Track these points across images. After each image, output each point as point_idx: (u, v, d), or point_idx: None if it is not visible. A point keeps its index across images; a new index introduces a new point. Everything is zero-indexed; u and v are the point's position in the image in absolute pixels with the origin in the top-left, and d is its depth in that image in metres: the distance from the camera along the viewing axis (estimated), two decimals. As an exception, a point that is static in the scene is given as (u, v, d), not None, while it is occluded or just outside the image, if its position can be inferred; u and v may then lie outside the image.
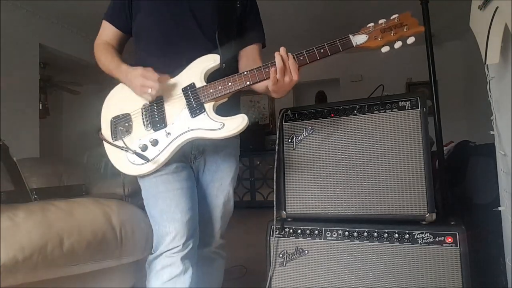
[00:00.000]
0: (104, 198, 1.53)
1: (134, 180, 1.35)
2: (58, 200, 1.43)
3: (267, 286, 1.47)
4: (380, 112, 1.41)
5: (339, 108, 1.47)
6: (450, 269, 1.24)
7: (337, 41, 1.14)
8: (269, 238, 1.51)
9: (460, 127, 5.05)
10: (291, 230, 1.49)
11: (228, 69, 1.27)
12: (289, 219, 1.53)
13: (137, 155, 1.21)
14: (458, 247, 1.24)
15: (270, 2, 1.55)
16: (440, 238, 1.27)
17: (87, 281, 1.39)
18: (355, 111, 1.45)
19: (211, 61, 1.24)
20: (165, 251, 1.24)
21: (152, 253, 1.29)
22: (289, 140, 1.54)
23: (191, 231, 1.27)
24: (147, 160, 1.21)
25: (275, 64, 1.14)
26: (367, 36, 1.14)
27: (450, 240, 1.25)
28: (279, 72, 1.13)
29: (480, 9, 1.30)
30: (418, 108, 1.35)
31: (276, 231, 1.51)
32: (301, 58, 1.15)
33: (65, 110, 6.58)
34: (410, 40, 1.12)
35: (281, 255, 1.49)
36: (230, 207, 1.44)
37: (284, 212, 1.53)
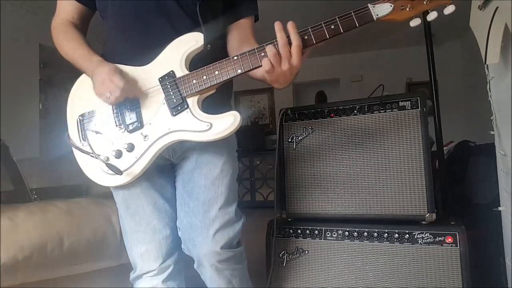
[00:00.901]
0: (104, 198, 1.54)
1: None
2: (58, 200, 1.43)
3: (267, 286, 1.47)
4: (380, 112, 1.41)
5: (339, 108, 1.47)
6: (450, 269, 1.24)
7: (353, 14, 0.89)
8: (269, 238, 1.51)
9: (460, 127, 5.05)
10: (291, 230, 1.49)
11: (214, 51, 1.03)
12: (289, 219, 1.53)
13: (108, 166, 0.98)
14: (458, 247, 1.24)
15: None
16: (440, 238, 1.27)
17: (87, 281, 1.39)
18: (355, 111, 1.44)
19: (192, 42, 0.98)
20: (144, 273, 1.10)
21: (133, 270, 1.14)
22: (289, 140, 1.54)
23: (170, 250, 1.09)
24: (119, 173, 0.98)
25: (272, 44, 0.90)
26: (392, 5, 0.88)
27: (450, 240, 1.25)
28: (273, 59, 0.89)
29: (480, 9, 1.30)
30: (418, 108, 1.35)
31: (276, 231, 1.51)
32: (306, 37, 0.90)
33: (65, 110, 6.57)
34: (450, 9, 0.86)
35: (281, 255, 1.49)
36: (228, 201, 1.08)
37: (284, 212, 1.53)
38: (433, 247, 1.27)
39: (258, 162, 5.58)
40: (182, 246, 1.11)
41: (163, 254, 1.08)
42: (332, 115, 1.48)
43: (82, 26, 1.15)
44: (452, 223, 1.31)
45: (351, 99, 1.48)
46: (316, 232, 1.44)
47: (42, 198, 1.71)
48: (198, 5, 1.01)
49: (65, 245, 1.25)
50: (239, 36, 1.13)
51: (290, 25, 0.89)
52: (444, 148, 2.03)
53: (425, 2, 0.87)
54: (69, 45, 1.08)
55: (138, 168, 1.00)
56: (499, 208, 1.39)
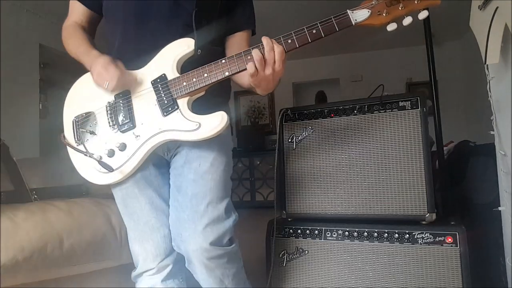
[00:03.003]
0: (104, 198, 1.54)
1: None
2: (58, 200, 1.43)
3: (267, 286, 1.47)
4: (380, 112, 1.41)
5: (339, 108, 1.47)
6: (450, 269, 1.24)
7: (333, 19, 0.94)
8: (269, 238, 1.51)
9: (460, 127, 5.05)
10: (291, 230, 1.49)
11: (206, 56, 1.05)
12: (289, 219, 1.53)
13: (100, 164, 1.02)
14: (458, 247, 1.24)
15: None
16: (440, 238, 1.27)
17: (87, 281, 1.39)
18: (355, 111, 1.44)
19: (184, 47, 1.03)
20: (143, 272, 1.12)
21: (135, 268, 1.16)
22: (289, 140, 1.54)
23: (168, 249, 1.11)
24: (110, 169, 1.02)
25: (258, 49, 0.95)
26: (369, 11, 0.93)
27: (450, 240, 1.25)
28: (258, 63, 0.93)
29: (480, 9, 1.30)
30: (418, 108, 1.35)
31: (276, 231, 1.51)
32: (289, 41, 0.95)
33: (61, 112, 6.56)
34: (423, 14, 0.92)
35: (281, 255, 1.49)
36: (218, 197, 1.08)
37: (284, 212, 1.53)
38: (433, 247, 1.27)
39: (258, 162, 5.58)
40: (172, 243, 1.11)
41: (161, 253, 1.10)
42: (332, 115, 1.48)
43: (90, 29, 1.22)
44: (452, 223, 1.31)
45: (351, 99, 1.48)
46: (316, 232, 1.44)
47: (42, 198, 1.71)
48: (194, 13, 1.06)
49: (65, 246, 1.24)
50: (236, 47, 1.17)
51: (270, 39, 0.94)
52: (444, 148, 2.03)
53: (400, 8, 0.92)
54: (74, 43, 1.15)
55: (130, 166, 1.04)
56: (499, 208, 1.39)
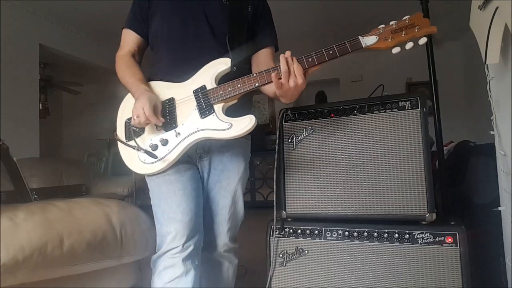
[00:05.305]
0: (104, 198, 1.54)
1: (137, 181, 1.36)
2: (58, 200, 1.43)
3: (267, 286, 1.47)
4: (380, 112, 1.41)
5: (339, 108, 1.47)
6: (450, 269, 1.24)
7: (346, 43, 1.13)
8: (269, 238, 1.51)
9: (460, 127, 5.05)
10: (291, 230, 1.49)
11: (239, 72, 1.29)
12: (289, 219, 1.53)
13: (147, 153, 1.25)
14: (458, 247, 1.24)
15: (276, 2, 1.53)
16: (440, 238, 1.27)
17: (87, 281, 1.39)
18: (355, 111, 1.44)
19: (222, 64, 1.27)
20: (167, 251, 1.28)
21: (156, 252, 1.32)
22: (289, 140, 1.54)
23: (192, 232, 1.29)
24: (156, 158, 1.25)
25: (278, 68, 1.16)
26: (377, 37, 1.13)
27: (450, 240, 1.25)
28: (283, 76, 1.14)
29: (480, 9, 1.30)
30: (418, 108, 1.35)
31: (276, 231, 1.51)
32: (310, 60, 1.16)
33: (65, 110, 6.58)
34: (422, 40, 1.10)
35: (281, 255, 1.49)
36: (238, 208, 1.44)
37: (284, 212, 1.53)
38: (433, 247, 1.27)
39: (258, 162, 5.59)
40: (198, 230, 1.35)
41: (187, 234, 1.28)
42: (332, 115, 1.48)
43: (139, 55, 1.47)
44: (452, 223, 1.31)
45: (351, 99, 1.48)
46: (316, 232, 1.44)
47: (42, 198, 1.71)
48: (228, 37, 1.33)
49: (65, 245, 1.24)
50: (261, 62, 1.42)
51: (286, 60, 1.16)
52: (444, 148, 2.03)
53: (403, 35, 1.10)
54: (126, 72, 1.38)
55: (171, 157, 1.26)
56: (499, 208, 1.39)
